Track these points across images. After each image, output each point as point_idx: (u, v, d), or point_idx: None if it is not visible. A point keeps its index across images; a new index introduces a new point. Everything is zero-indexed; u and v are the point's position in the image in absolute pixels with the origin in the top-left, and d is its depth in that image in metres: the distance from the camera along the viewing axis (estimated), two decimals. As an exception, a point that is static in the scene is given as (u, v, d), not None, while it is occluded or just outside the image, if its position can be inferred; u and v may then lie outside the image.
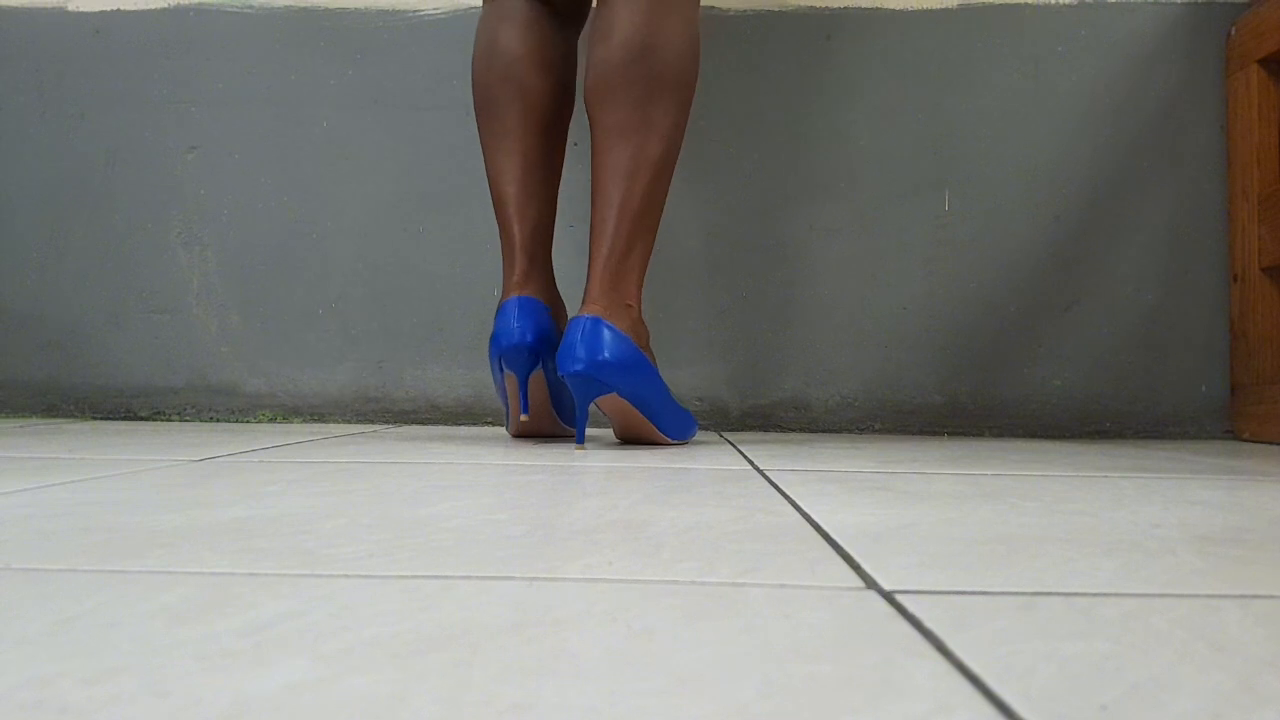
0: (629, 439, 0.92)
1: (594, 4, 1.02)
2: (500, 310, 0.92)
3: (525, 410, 0.92)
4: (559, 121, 0.98)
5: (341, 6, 1.29)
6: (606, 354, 0.83)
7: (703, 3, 1.27)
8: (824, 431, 1.24)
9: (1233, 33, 1.22)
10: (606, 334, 0.84)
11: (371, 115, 1.29)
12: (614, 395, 0.85)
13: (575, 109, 1.26)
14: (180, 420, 1.28)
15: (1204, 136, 1.24)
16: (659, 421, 0.89)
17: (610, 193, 0.88)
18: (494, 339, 0.91)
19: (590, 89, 0.90)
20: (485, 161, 0.98)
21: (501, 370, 0.92)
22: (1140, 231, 1.24)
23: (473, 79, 0.98)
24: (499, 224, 0.97)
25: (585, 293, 0.87)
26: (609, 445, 0.92)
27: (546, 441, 0.96)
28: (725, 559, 0.36)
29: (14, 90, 1.31)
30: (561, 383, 0.96)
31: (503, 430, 1.16)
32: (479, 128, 0.98)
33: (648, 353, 0.89)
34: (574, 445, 0.89)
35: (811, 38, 1.26)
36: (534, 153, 0.96)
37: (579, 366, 0.82)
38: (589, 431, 1.18)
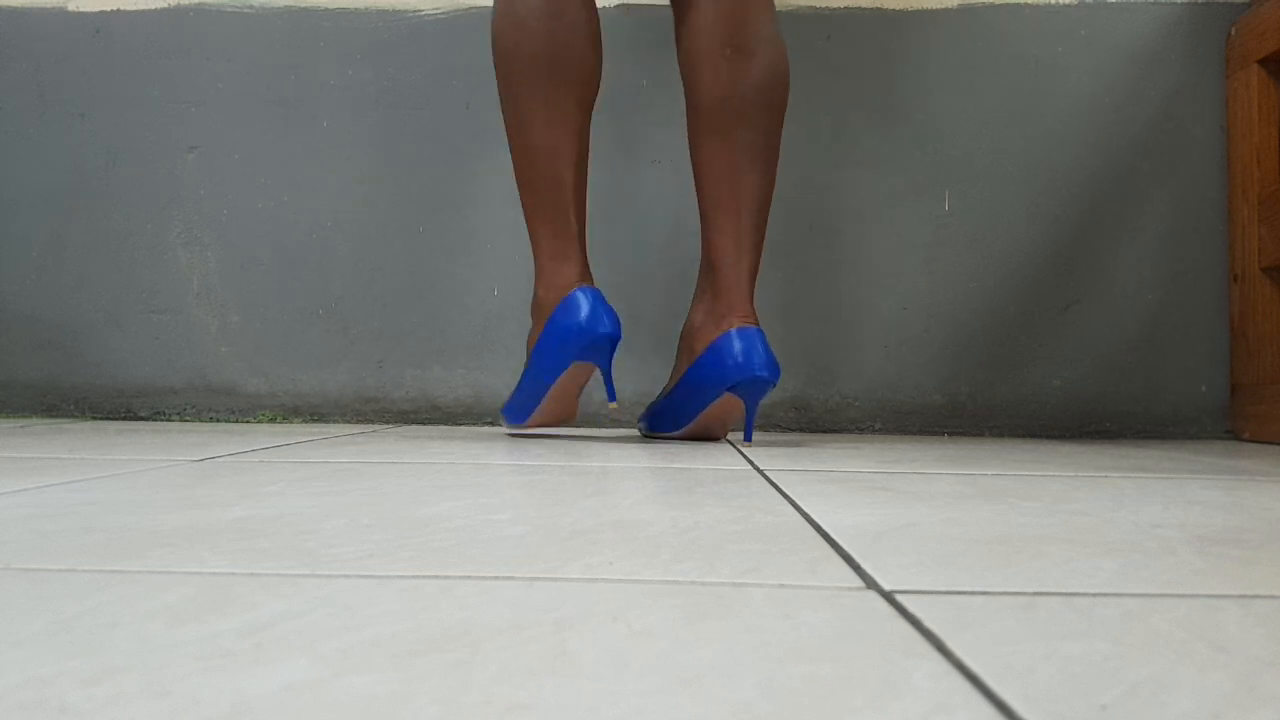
0: (706, 434, 1.00)
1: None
2: (569, 302, 0.90)
3: (613, 397, 0.94)
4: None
5: (341, 6, 1.29)
6: (776, 363, 0.92)
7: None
8: (824, 431, 1.24)
9: (1233, 33, 1.22)
10: (769, 344, 0.95)
11: (371, 115, 1.29)
12: None
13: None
14: (180, 420, 1.28)
15: (1204, 136, 1.24)
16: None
17: (749, 212, 0.93)
18: (569, 330, 0.89)
19: (725, 100, 0.91)
20: (529, 138, 0.90)
21: (565, 362, 0.91)
22: (1140, 231, 1.24)
23: (518, 40, 0.89)
24: (548, 208, 0.91)
25: (729, 302, 0.93)
26: (610, 445, 0.92)
27: (547, 441, 0.96)
28: (725, 559, 0.36)
29: (14, 90, 1.31)
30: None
31: (503, 430, 1.15)
32: (521, 97, 0.90)
33: None
34: (742, 442, 0.96)
35: (811, 38, 1.26)
36: (585, 135, 0.92)
37: (766, 373, 0.90)
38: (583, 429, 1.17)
